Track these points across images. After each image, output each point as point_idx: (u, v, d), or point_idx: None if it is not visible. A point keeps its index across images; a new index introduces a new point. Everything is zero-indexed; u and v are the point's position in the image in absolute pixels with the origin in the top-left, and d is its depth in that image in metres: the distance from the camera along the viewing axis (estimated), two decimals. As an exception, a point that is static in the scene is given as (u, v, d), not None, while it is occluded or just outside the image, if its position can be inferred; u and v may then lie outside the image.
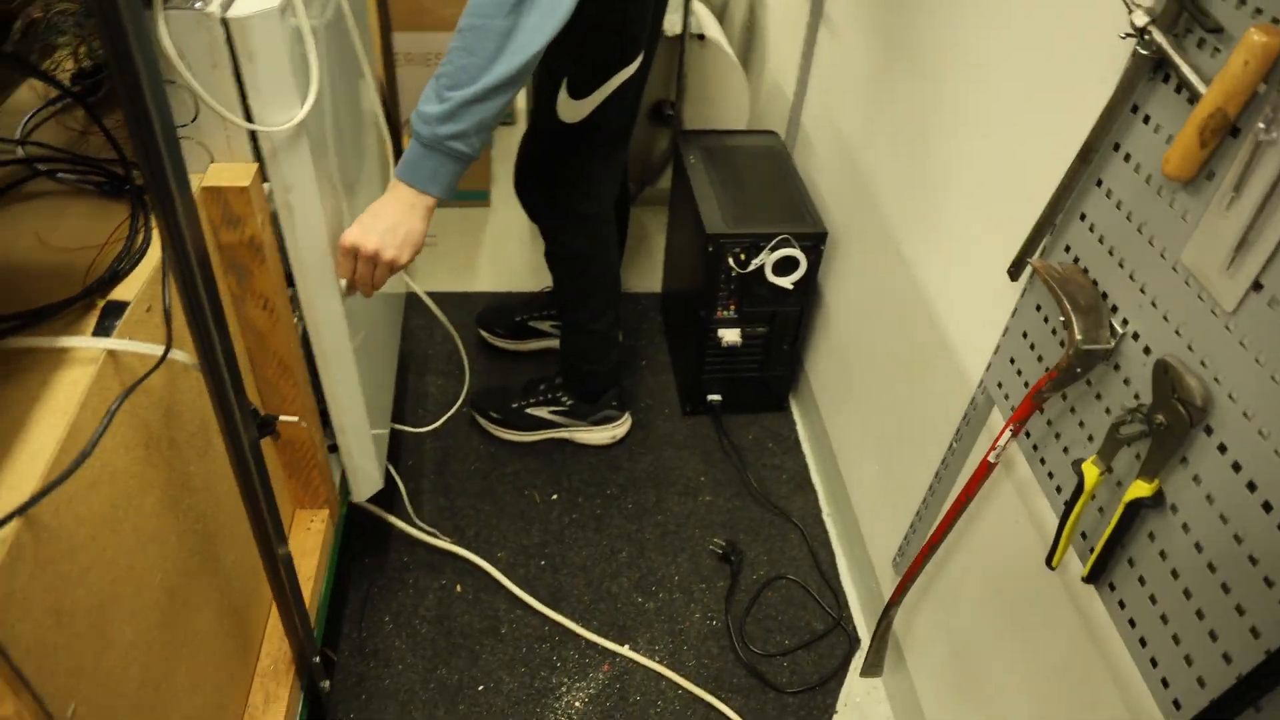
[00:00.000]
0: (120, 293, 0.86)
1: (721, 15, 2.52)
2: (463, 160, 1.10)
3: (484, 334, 2.04)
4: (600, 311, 1.68)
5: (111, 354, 0.79)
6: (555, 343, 1.98)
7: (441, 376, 1.98)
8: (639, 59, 1.41)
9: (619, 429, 1.86)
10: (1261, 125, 0.72)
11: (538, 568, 1.64)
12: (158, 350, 0.81)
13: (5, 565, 0.63)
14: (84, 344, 0.79)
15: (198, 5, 0.94)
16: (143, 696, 0.83)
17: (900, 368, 1.49)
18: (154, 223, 0.94)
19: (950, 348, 1.31)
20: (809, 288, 1.74)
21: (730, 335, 1.78)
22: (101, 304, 0.84)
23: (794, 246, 1.66)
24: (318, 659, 1.19)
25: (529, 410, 1.83)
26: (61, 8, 1.15)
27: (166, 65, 0.97)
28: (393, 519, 1.63)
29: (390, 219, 1.12)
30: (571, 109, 1.39)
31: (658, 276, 2.26)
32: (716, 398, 1.90)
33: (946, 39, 1.31)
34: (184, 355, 0.86)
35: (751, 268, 1.67)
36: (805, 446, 1.91)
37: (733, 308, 1.75)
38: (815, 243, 1.67)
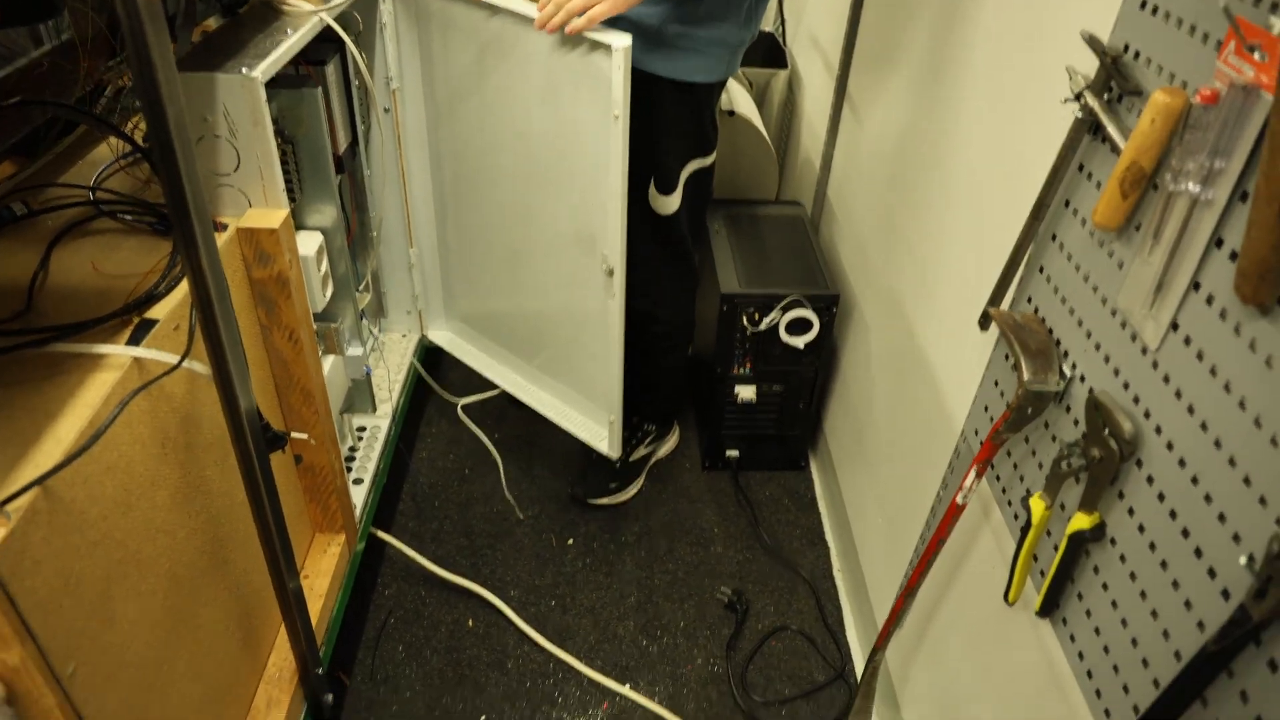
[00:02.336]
0: (153, 312, 0.97)
1: (763, 94, 2.65)
2: None
3: None
4: (684, 363, 1.89)
5: (137, 361, 0.90)
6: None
7: (474, 423, 2.07)
8: (714, 153, 1.59)
9: (675, 433, 2.06)
10: (1169, 177, 0.78)
11: (547, 607, 1.69)
12: (175, 359, 0.92)
13: (20, 527, 0.73)
14: (115, 351, 0.90)
15: (244, 70, 1.08)
16: (143, 672, 0.92)
17: (903, 425, 1.52)
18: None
19: (942, 402, 1.35)
20: (823, 349, 1.80)
21: (746, 392, 1.84)
22: (136, 320, 0.96)
23: (806, 308, 1.72)
24: (320, 671, 1.27)
25: (632, 458, 1.93)
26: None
27: (215, 122, 1.11)
28: (414, 553, 1.71)
29: None
30: (663, 203, 1.55)
31: (688, 339, 2.34)
32: (734, 453, 1.95)
33: (932, 116, 1.39)
34: (200, 366, 0.97)
35: (764, 327, 1.74)
36: (821, 504, 1.94)
37: (748, 365, 1.81)
38: (828, 305, 1.74)
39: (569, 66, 1.33)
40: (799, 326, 1.75)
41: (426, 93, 1.64)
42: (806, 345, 1.77)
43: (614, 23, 1.32)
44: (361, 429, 1.70)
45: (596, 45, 1.26)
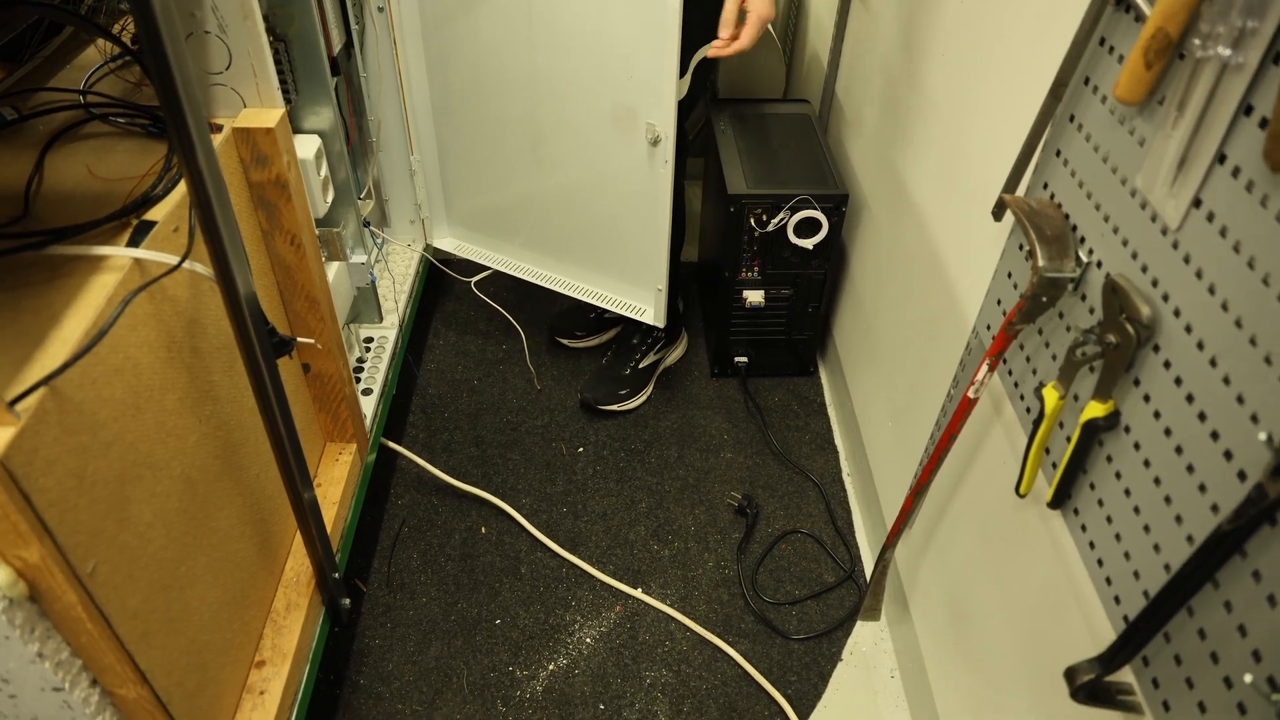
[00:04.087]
0: (152, 214, 0.95)
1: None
2: None
3: (565, 342, 2.06)
4: (680, 252, 1.86)
5: (138, 262, 0.89)
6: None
7: (480, 337, 2.07)
8: None
9: (683, 341, 2.08)
10: (1197, 42, 0.74)
11: (559, 514, 1.71)
12: (176, 260, 0.91)
13: (31, 425, 0.72)
14: (114, 252, 0.88)
15: (228, -42, 1.04)
16: (161, 573, 0.93)
17: (914, 325, 1.51)
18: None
19: (954, 299, 1.33)
20: (832, 250, 1.77)
21: (754, 296, 1.82)
22: (135, 223, 0.94)
23: (814, 208, 1.69)
24: (337, 575, 1.28)
25: (641, 365, 1.94)
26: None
27: (203, 18, 1.07)
28: (425, 463, 1.73)
29: None
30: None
31: (694, 246, 2.31)
32: (743, 360, 1.94)
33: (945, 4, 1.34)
34: (201, 267, 0.96)
35: (772, 228, 1.71)
36: (830, 410, 1.94)
37: (756, 268, 1.79)
38: (836, 204, 1.71)
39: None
40: (808, 227, 1.73)
41: (421, -12, 1.59)
42: (815, 246, 1.75)
43: None
44: (369, 339, 1.69)
45: None
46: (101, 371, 0.82)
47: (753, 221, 1.71)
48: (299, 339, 1.25)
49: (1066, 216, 0.97)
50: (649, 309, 1.74)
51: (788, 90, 2.25)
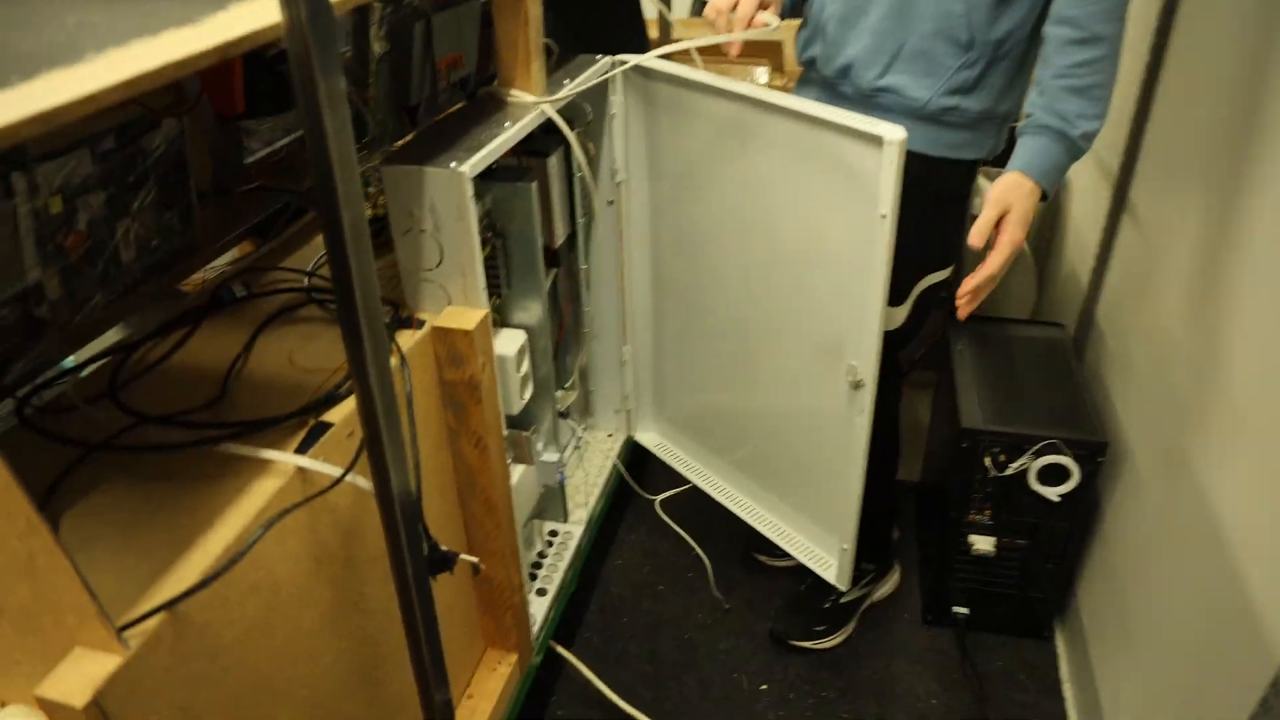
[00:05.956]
0: (331, 414, 0.92)
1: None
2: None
3: (762, 559, 1.91)
4: (891, 480, 1.69)
5: (301, 470, 0.84)
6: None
7: (672, 538, 1.94)
8: (951, 268, 1.42)
9: (895, 574, 1.84)
10: None
11: (729, 763, 1.50)
12: (338, 471, 0.86)
13: (140, 654, 0.66)
14: (280, 458, 0.84)
15: (452, 165, 1.03)
16: (264, 816, 0.83)
17: (1190, 619, 1.23)
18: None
19: (1251, 609, 1.06)
20: (1081, 503, 1.52)
21: (982, 543, 1.58)
22: (312, 423, 0.91)
23: (1064, 454, 1.46)
24: (470, 812, 1.15)
25: (844, 599, 1.73)
26: (367, 166, 1.32)
27: (421, 216, 1.07)
28: (592, 676, 1.58)
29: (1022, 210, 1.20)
30: (889, 315, 1.31)
31: (917, 465, 2.09)
32: (963, 611, 1.68)
33: (1255, 248, 1.13)
34: (363, 481, 0.90)
35: (1011, 471, 1.49)
36: (1066, 689, 1.62)
37: (987, 513, 1.56)
38: (1091, 453, 1.46)
39: (825, 155, 1.21)
40: (1053, 474, 1.49)
41: (653, 185, 1.57)
42: (1061, 497, 1.50)
43: (868, 99, 1.29)
44: (553, 533, 1.61)
45: (862, 135, 1.12)
46: (234, 592, 0.76)
47: (988, 462, 1.50)
48: (461, 556, 1.18)
49: None
50: (833, 565, 1.51)
51: (1038, 310, 2.05)
